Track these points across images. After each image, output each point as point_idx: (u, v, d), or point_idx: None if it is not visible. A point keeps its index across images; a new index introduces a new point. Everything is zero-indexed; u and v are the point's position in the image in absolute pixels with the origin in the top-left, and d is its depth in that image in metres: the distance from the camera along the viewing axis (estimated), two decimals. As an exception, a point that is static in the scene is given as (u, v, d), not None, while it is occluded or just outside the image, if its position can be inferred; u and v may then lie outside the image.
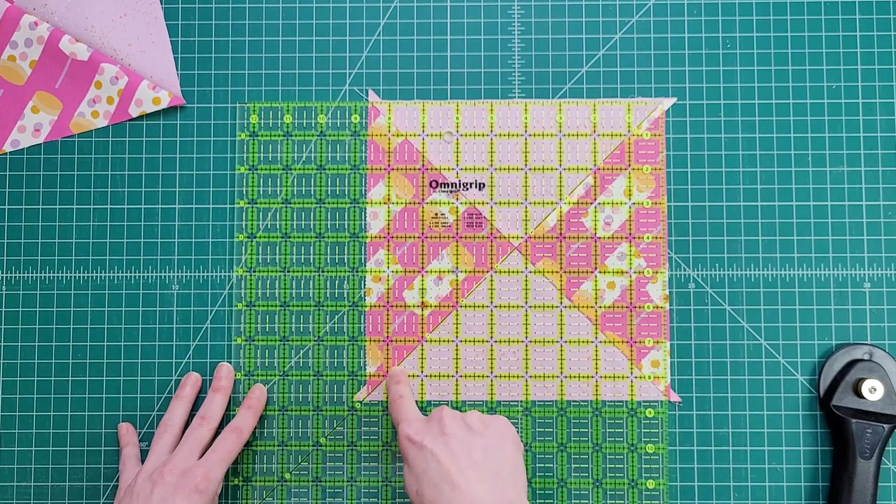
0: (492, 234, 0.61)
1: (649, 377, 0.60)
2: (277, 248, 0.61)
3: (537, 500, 0.59)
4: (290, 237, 0.61)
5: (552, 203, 0.61)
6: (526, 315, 0.60)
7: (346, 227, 0.61)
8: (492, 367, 0.60)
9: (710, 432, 0.59)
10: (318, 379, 0.60)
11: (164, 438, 0.56)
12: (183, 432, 0.57)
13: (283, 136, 0.62)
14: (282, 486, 0.60)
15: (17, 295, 0.61)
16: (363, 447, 0.60)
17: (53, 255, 0.61)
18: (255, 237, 0.61)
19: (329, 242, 0.61)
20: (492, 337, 0.60)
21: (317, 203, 0.61)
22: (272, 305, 0.61)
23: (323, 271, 0.61)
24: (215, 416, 0.57)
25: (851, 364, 0.58)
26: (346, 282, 0.61)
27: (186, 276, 0.61)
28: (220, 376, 0.59)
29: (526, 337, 0.60)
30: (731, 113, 0.61)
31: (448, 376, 0.60)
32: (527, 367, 0.60)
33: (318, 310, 0.61)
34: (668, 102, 0.61)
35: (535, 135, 0.61)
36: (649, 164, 0.61)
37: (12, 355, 0.61)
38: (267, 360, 0.60)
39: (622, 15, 0.62)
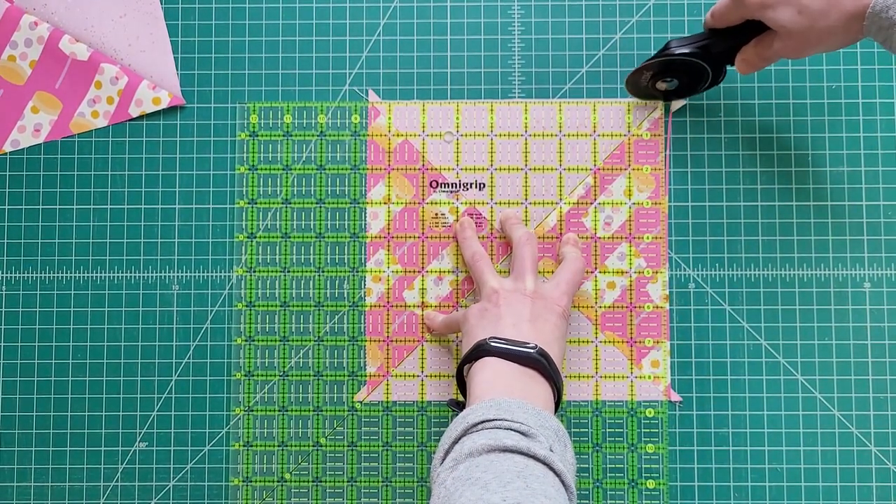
0: (492, 234, 0.61)
1: (649, 377, 0.60)
2: (277, 248, 0.61)
3: (537, 500, 0.59)
4: (290, 237, 0.61)
5: (552, 203, 0.61)
6: (526, 315, 0.60)
7: (346, 227, 0.61)
8: (492, 367, 0.60)
9: (710, 432, 0.59)
10: (318, 379, 0.60)
11: (486, 265, 0.57)
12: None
13: (283, 136, 0.62)
14: (282, 486, 0.60)
15: (17, 295, 0.61)
16: (363, 447, 0.60)
17: (53, 255, 0.61)
18: (255, 237, 0.61)
19: (329, 242, 0.61)
20: (492, 337, 0.60)
21: (317, 203, 0.61)
22: (272, 305, 0.61)
23: (323, 271, 0.61)
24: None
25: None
26: (346, 282, 0.61)
27: (186, 276, 0.61)
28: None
29: (526, 337, 0.60)
30: (731, 113, 0.61)
31: (448, 376, 0.60)
32: (527, 367, 0.60)
33: (318, 310, 0.61)
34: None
35: (535, 135, 0.61)
36: (649, 164, 0.61)
37: (12, 355, 0.61)
38: (267, 360, 0.60)
39: (622, 15, 0.62)
